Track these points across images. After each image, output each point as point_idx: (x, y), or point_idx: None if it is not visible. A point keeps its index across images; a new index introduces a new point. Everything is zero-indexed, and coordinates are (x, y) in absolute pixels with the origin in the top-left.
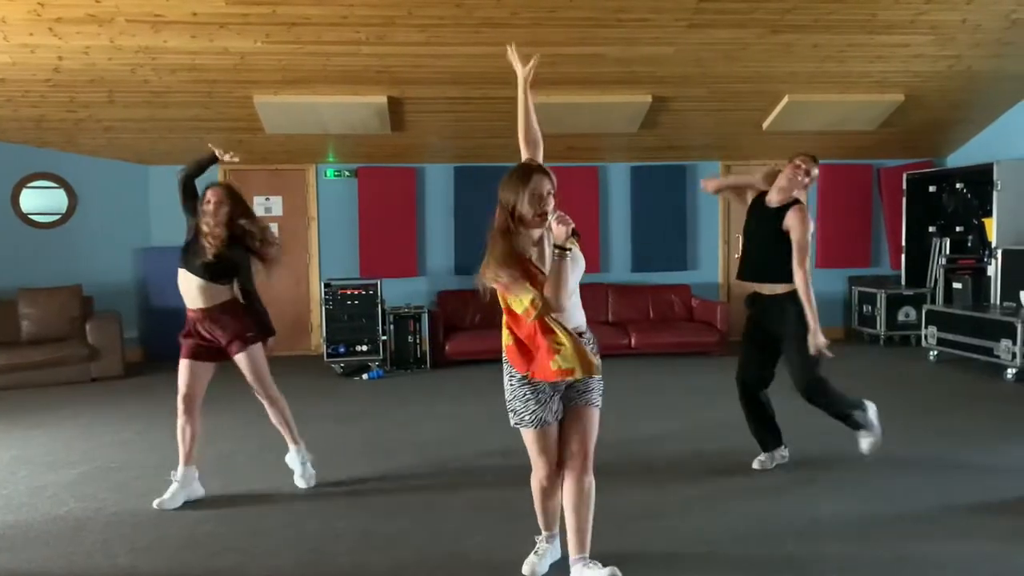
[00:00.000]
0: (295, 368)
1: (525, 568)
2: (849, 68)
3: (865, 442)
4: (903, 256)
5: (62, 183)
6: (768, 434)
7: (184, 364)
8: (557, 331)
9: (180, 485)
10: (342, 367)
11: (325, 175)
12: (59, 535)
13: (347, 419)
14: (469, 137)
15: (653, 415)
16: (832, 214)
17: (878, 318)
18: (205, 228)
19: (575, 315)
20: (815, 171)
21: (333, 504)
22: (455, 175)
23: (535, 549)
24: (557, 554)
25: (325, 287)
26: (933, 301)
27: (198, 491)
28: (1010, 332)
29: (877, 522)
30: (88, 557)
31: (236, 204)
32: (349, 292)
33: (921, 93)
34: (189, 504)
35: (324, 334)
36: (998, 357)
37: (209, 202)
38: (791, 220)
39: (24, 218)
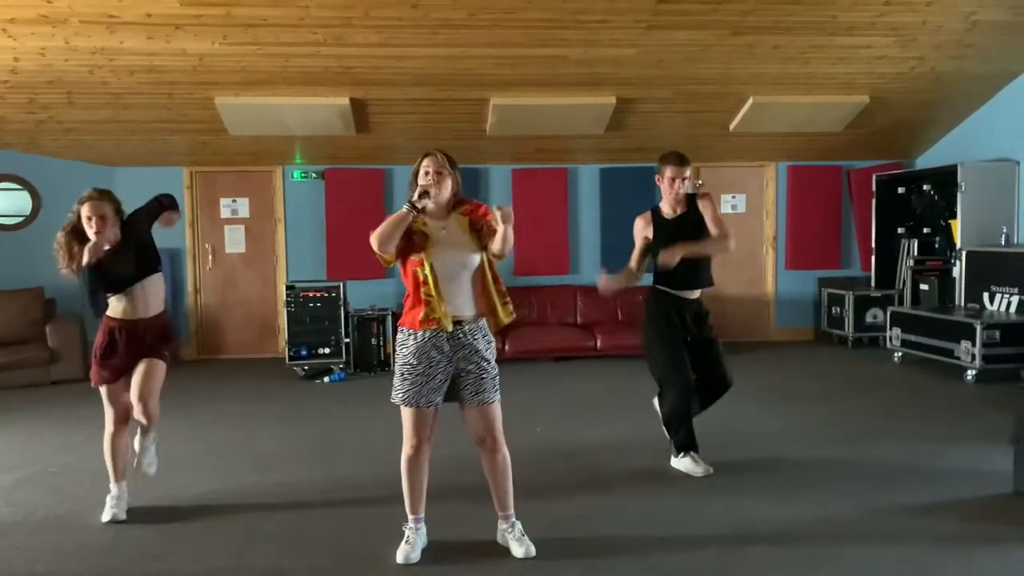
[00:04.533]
0: (259, 370)
1: (399, 556)
2: (812, 70)
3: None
4: (873, 258)
5: (26, 185)
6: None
7: (109, 389)
8: (431, 284)
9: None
10: (304, 370)
11: (292, 177)
12: None
13: (299, 422)
14: (434, 138)
15: (605, 417)
16: (802, 215)
17: (846, 320)
18: (104, 243)
19: (459, 304)
20: (688, 172)
21: (266, 508)
22: None
23: (405, 537)
24: (425, 540)
25: (287, 289)
26: (901, 303)
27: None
28: (969, 334)
29: (806, 524)
30: (6, 563)
31: (117, 211)
32: (312, 295)
33: (886, 94)
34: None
35: (287, 337)
36: (958, 359)
37: (91, 218)
38: (702, 205)
39: None
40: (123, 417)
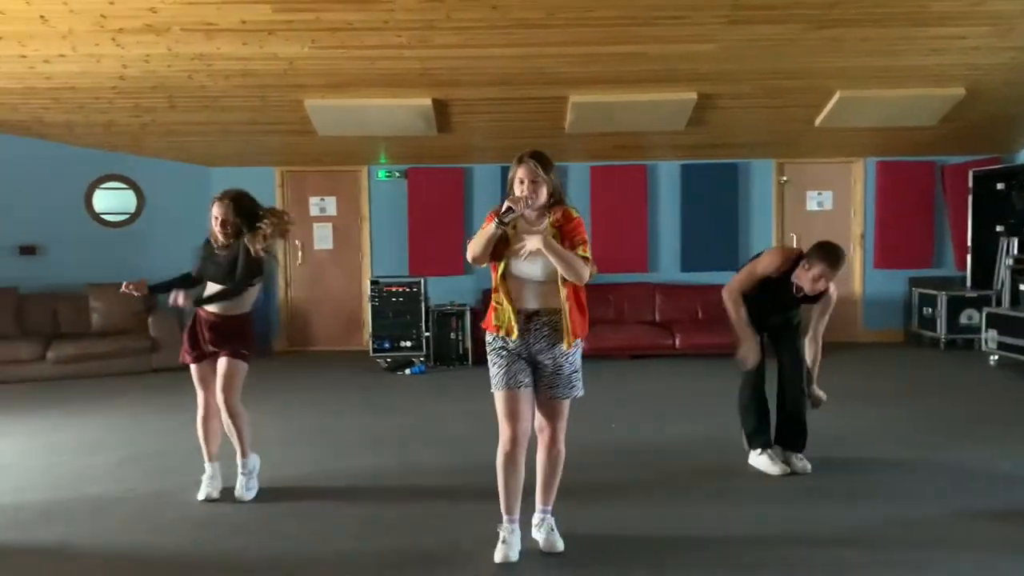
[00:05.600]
0: (345, 362)
1: (496, 556)
2: (903, 62)
3: (774, 468)
4: (968, 257)
5: (131, 184)
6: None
7: (196, 368)
8: (502, 293)
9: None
10: (387, 362)
11: (377, 176)
12: (89, 513)
13: (381, 411)
14: (513, 137)
15: (681, 416)
16: (892, 213)
17: (939, 321)
18: (214, 243)
19: (533, 297)
20: (836, 274)
21: (348, 491)
22: (501, 175)
23: (501, 538)
24: (520, 542)
25: (371, 284)
26: (999, 303)
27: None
28: None
29: (881, 526)
30: (112, 534)
31: (240, 214)
32: (394, 289)
33: (983, 87)
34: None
35: (370, 330)
36: None
37: (216, 219)
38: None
39: (96, 217)
40: (212, 399)
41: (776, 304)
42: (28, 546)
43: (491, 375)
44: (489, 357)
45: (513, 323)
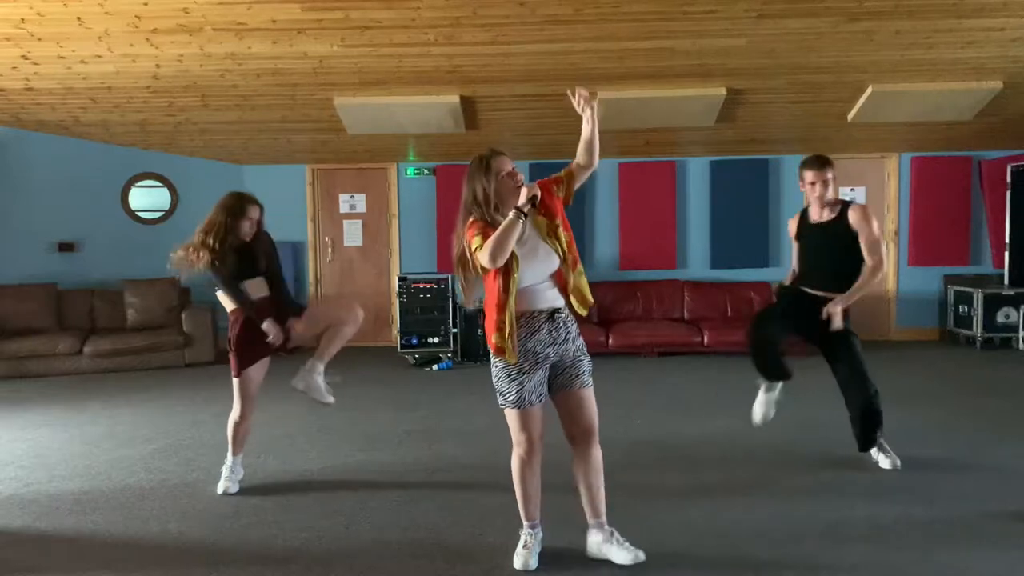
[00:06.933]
0: (373, 358)
1: (516, 562)
2: (938, 55)
3: (886, 461)
4: (1006, 254)
5: (166, 182)
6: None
7: (245, 378)
8: (507, 313)
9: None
10: (415, 358)
11: (406, 173)
12: (124, 502)
13: (408, 406)
14: (542, 134)
15: (704, 414)
16: (927, 209)
17: (975, 319)
18: (241, 240)
19: (542, 297)
20: (829, 174)
21: (373, 484)
22: (530, 172)
23: (522, 542)
24: (540, 545)
25: (400, 281)
26: None
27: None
28: None
29: (909, 525)
30: (144, 522)
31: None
32: (422, 286)
33: (1022, 80)
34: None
35: (399, 326)
36: None
37: (252, 220)
38: (855, 219)
39: (132, 215)
40: (250, 408)
41: (824, 248)
42: (63, 534)
43: (500, 390)
44: (501, 372)
45: (513, 352)
